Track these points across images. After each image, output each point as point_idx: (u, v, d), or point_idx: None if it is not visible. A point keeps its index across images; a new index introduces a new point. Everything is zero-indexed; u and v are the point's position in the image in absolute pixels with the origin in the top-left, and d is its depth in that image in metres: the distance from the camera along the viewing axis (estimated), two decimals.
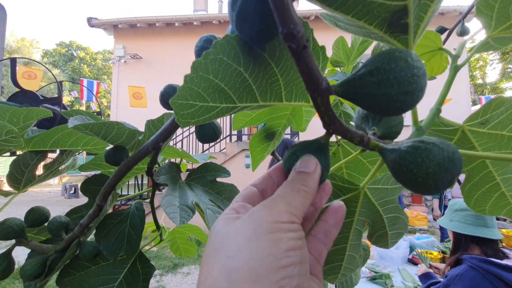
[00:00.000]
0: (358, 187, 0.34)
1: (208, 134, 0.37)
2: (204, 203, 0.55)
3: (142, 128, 0.49)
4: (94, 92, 4.33)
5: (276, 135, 0.63)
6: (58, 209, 8.21)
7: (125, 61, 7.37)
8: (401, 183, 0.18)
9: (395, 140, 0.29)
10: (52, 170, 0.73)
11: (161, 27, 7.40)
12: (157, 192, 0.54)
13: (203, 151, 5.78)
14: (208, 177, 0.63)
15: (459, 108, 6.06)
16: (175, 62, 7.31)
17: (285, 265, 0.18)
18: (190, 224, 0.97)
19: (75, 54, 23.07)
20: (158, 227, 0.64)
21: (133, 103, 5.13)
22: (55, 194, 11.22)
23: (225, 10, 8.73)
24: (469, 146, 0.37)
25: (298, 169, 0.23)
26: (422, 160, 0.17)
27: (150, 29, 7.45)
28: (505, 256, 1.37)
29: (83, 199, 10.05)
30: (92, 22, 7.24)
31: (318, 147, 0.23)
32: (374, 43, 0.81)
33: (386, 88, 0.17)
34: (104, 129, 0.40)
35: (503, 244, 1.98)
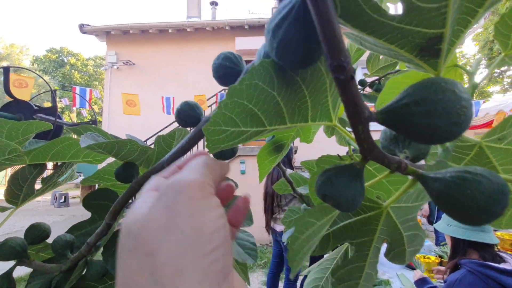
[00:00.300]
0: (381, 206, 0.34)
1: (227, 152, 0.37)
2: None
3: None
4: (88, 100, 4.26)
5: (284, 147, 0.62)
6: (48, 218, 8.02)
7: (117, 68, 7.32)
8: (448, 214, 0.18)
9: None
10: (51, 183, 0.71)
11: (154, 33, 7.38)
12: None
13: None
14: None
15: None
16: (169, 69, 7.29)
17: (210, 251, 0.17)
18: None
19: (65, 60, 22.79)
20: None
21: (126, 110, 5.07)
22: (44, 203, 10.94)
23: (219, 16, 8.80)
24: (486, 161, 0.37)
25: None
26: (472, 192, 0.17)
27: (143, 35, 7.43)
28: (502, 260, 1.38)
29: (73, 208, 9.82)
30: (84, 29, 7.18)
31: (354, 174, 0.23)
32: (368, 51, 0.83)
33: (434, 119, 0.17)
34: (116, 147, 0.39)
35: (498, 247, 2.01)
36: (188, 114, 0.35)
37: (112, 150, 0.40)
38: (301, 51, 0.18)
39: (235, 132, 0.25)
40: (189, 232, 0.17)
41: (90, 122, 1.56)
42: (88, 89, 4.53)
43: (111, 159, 0.56)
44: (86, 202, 0.60)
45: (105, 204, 0.62)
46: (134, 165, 0.45)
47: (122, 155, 0.42)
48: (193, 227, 0.17)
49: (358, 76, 0.88)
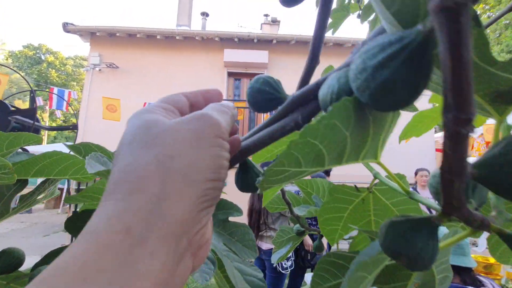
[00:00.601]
0: None
1: (253, 183, 0.33)
2: (219, 250, 0.50)
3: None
4: (65, 103, 4.01)
5: None
6: (6, 225, 7.36)
7: (100, 70, 7.07)
8: None
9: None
10: (29, 201, 0.63)
11: (142, 38, 7.26)
12: None
13: None
14: (219, 216, 0.57)
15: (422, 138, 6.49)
16: (154, 75, 7.15)
17: (214, 179, 0.19)
18: None
19: (43, 58, 21.81)
20: None
21: (106, 115, 4.85)
22: None
23: (209, 27, 8.82)
24: None
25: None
26: None
27: (129, 39, 7.28)
28: (481, 284, 1.41)
29: (36, 215, 9.11)
30: (67, 28, 6.93)
31: (432, 231, 0.20)
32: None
33: None
34: None
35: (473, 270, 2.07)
36: (268, 96, 0.30)
37: None
38: (406, 95, 0.16)
39: (294, 173, 0.22)
40: (209, 157, 0.19)
41: (71, 127, 1.46)
42: (67, 91, 4.30)
43: None
44: (70, 225, 0.53)
45: None
46: None
47: None
48: (213, 155, 0.19)
49: None
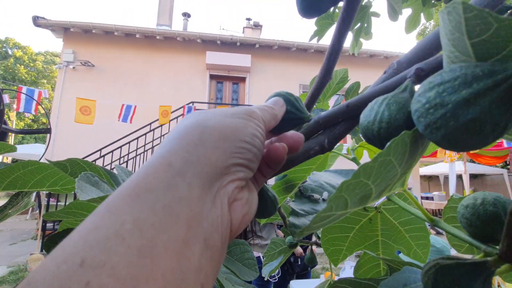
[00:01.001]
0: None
1: (268, 209, 0.30)
2: (220, 272, 0.46)
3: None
4: (35, 104, 3.70)
5: (295, 187, 0.57)
6: None
7: (73, 67, 6.72)
8: None
9: None
10: (0, 216, 0.57)
11: (120, 36, 7.00)
12: None
13: None
14: None
15: None
16: (132, 75, 6.90)
17: (247, 141, 0.21)
18: None
19: (10, 53, 20.43)
20: None
21: (78, 118, 4.57)
22: None
23: (190, 28, 8.66)
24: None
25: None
26: None
27: (107, 37, 6.99)
28: None
29: (1, 222, 8.41)
30: (38, 22, 6.53)
31: (485, 277, 0.18)
32: (348, 83, 0.84)
33: None
34: None
35: None
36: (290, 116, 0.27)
37: None
38: (491, 137, 0.14)
39: (337, 215, 0.19)
40: (241, 123, 0.22)
41: (43, 130, 1.35)
42: (37, 90, 3.99)
43: None
44: (50, 245, 0.48)
45: None
46: None
47: None
48: (245, 122, 0.22)
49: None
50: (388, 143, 0.16)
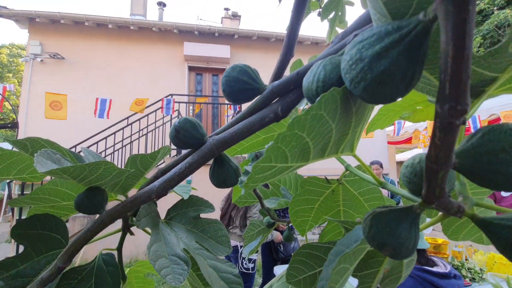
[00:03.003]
0: None
1: (230, 178, 0.32)
2: (192, 248, 0.48)
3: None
4: (0, 99, 3.44)
5: None
6: None
7: (41, 60, 6.34)
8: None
9: None
10: None
11: (91, 27, 6.66)
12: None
13: None
14: (190, 213, 0.55)
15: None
16: (105, 68, 6.62)
17: None
18: (149, 261, 0.83)
19: None
20: (124, 278, 0.52)
21: (49, 114, 4.32)
22: None
23: (166, 18, 8.37)
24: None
25: None
26: None
27: (76, 27, 6.63)
28: (434, 263, 1.57)
29: None
30: (0, 12, 6.08)
31: (413, 219, 0.20)
32: None
33: None
34: (86, 171, 0.31)
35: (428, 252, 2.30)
36: (190, 135, 0.29)
37: (79, 175, 0.31)
38: (403, 86, 0.15)
39: (280, 168, 0.21)
40: None
41: (10, 125, 1.29)
42: (1, 85, 3.73)
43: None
44: (17, 232, 0.47)
45: (45, 234, 0.50)
46: (102, 192, 0.36)
47: (89, 180, 0.33)
48: None
49: None
50: (318, 98, 0.18)
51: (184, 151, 0.33)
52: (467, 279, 2.12)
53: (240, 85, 0.28)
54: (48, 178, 0.47)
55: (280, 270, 2.46)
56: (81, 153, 0.46)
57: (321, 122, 0.19)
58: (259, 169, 0.19)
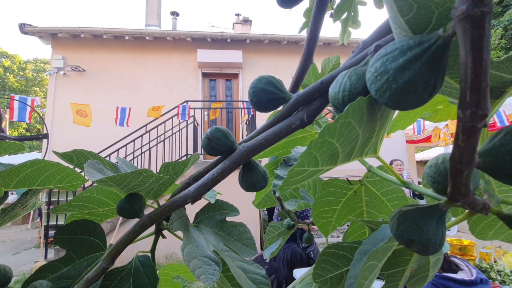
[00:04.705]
0: None
1: (259, 182, 0.34)
2: (220, 250, 0.50)
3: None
4: (29, 111, 3.68)
5: None
6: None
7: (64, 73, 6.67)
8: None
9: None
10: (11, 215, 0.60)
11: (109, 39, 6.94)
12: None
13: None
14: (216, 217, 0.57)
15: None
16: (124, 78, 6.87)
17: None
18: (177, 264, 0.87)
19: None
20: (157, 279, 0.55)
21: (77, 120, 4.59)
22: None
23: (180, 26, 8.62)
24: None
25: None
26: None
27: (95, 40, 6.93)
28: (458, 268, 1.52)
29: (3, 232, 8.40)
30: (25, 29, 6.46)
31: (440, 216, 0.22)
32: None
33: None
34: (130, 178, 0.34)
35: (449, 253, 2.22)
36: (221, 143, 0.31)
37: (123, 182, 0.34)
38: (425, 95, 0.17)
39: (312, 172, 0.22)
40: None
41: (41, 136, 1.37)
42: (29, 98, 3.97)
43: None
44: (60, 237, 0.51)
45: (84, 239, 0.53)
46: (141, 198, 0.39)
47: (130, 187, 0.36)
48: None
49: None
50: (346, 107, 0.19)
51: (209, 158, 0.35)
52: (497, 282, 2.03)
53: (267, 95, 0.30)
54: (87, 184, 0.51)
55: (299, 273, 2.45)
56: (117, 163, 0.50)
57: (349, 128, 0.20)
58: (294, 173, 0.21)
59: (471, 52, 0.14)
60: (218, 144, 0.31)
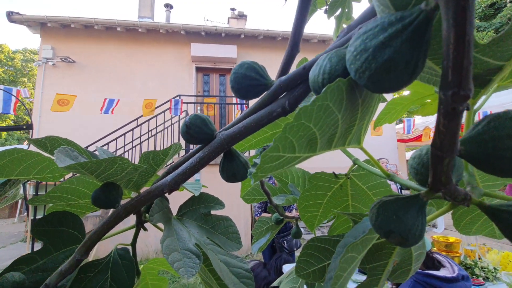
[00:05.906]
0: None
1: (239, 172, 0.33)
2: (203, 243, 0.49)
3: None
4: (14, 102, 3.55)
5: None
6: None
7: (53, 64, 6.50)
8: None
9: None
10: None
11: (100, 30, 6.78)
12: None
13: None
14: (201, 210, 0.56)
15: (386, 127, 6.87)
16: (115, 70, 6.74)
17: None
18: (163, 258, 0.85)
19: None
20: (138, 273, 0.54)
21: (55, 108, 4.52)
22: None
23: (173, 19, 8.47)
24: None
25: None
26: None
27: (86, 31, 6.76)
28: (440, 265, 1.54)
29: None
30: (13, 17, 6.25)
31: (420, 207, 0.21)
32: None
33: None
34: (103, 166, 0.32)
35: (435, 249, 2.26)
36: (200, 131, 0.30)
37: (96, 170, 0.32)
38: (406, 75, 0.16)
39: (288, 159, 0.21)
40: None
41: (24, 126, 1.34)
42: (15, 89, 3.85)
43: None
44: (37, 229, 0.49)
45: (63, 231, 0.51)
46: (117, 187, 0.37)
47: (105, 175, 0.35)
48: None
49: None
50: (324, 89, 0.18)
51: (191, 147, 0.34)
52: (481, 278, 2.07)
53: (248, 81, 0.29)
54: (66, 177, 0.49)
55: (288, 268, 2.46)
56: (96, 152, 0.48)
57: (327, 112, 0.19)
58: (268, 159, 0.19)
59: (454, 25, 0.13)
60: (197, 131, 0.30)
